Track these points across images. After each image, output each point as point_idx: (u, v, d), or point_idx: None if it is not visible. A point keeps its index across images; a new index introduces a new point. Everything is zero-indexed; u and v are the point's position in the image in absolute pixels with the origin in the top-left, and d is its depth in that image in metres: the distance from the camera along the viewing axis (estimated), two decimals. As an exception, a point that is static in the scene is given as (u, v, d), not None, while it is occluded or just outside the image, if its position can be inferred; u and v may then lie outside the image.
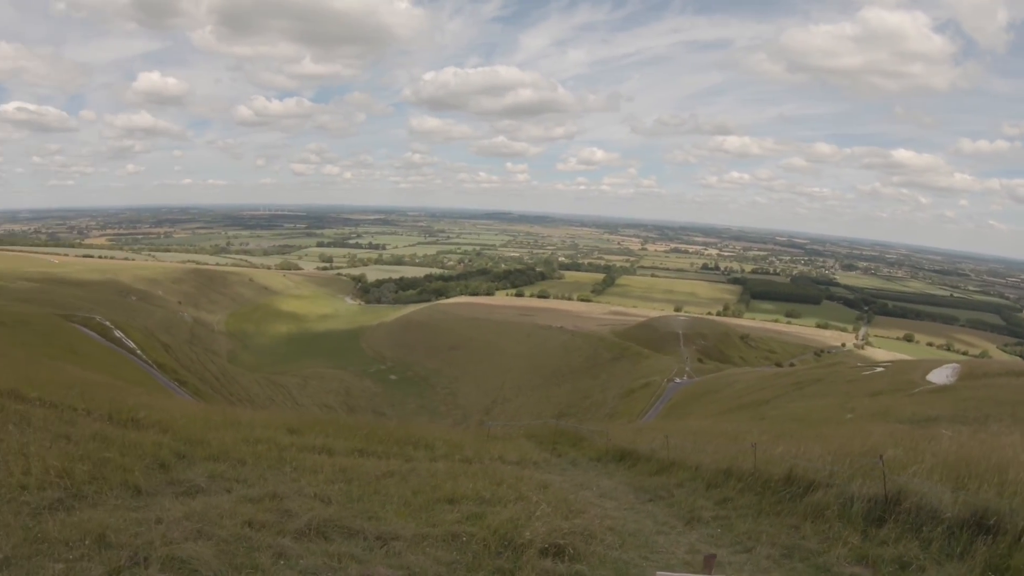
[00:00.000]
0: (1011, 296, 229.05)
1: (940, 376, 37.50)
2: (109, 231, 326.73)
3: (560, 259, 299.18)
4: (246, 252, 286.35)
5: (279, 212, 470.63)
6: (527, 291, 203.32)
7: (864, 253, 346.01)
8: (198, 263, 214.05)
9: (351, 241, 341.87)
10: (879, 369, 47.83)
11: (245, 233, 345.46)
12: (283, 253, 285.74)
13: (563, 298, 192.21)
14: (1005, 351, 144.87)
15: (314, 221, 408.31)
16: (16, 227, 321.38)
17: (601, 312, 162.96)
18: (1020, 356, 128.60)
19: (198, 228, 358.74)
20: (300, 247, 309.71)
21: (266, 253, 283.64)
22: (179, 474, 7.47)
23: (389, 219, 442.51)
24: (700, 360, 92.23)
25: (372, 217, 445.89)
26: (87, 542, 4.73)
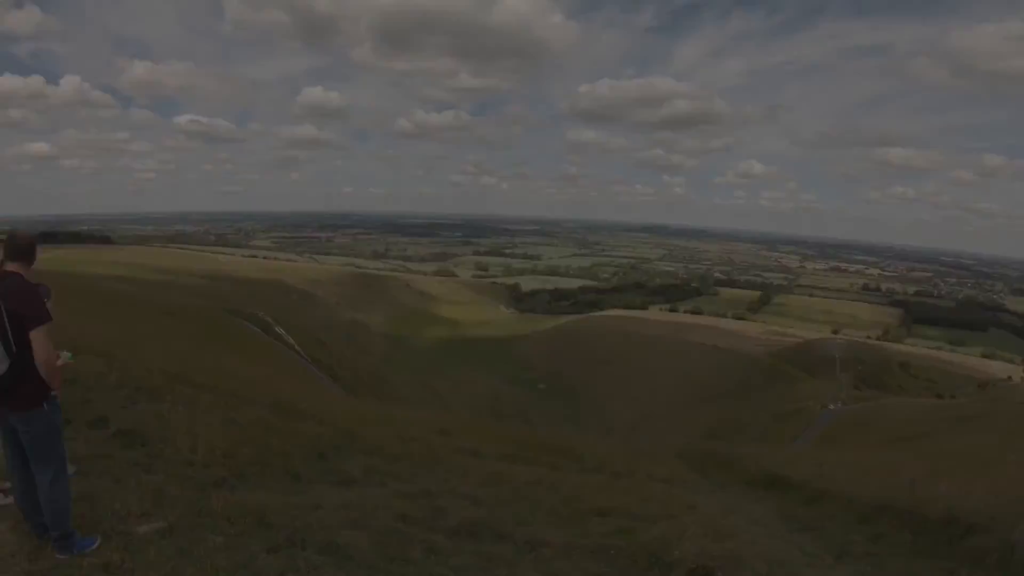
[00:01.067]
0: None
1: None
2: (274, 234, 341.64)
3: (716, 275, 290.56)
4: (404, 258, 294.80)
5: (437, 221, 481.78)
6: (681, 306, 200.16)
7: None
8: (358, 266, 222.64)
9: (507, 251, 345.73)
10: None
11: (404, 240, 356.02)
12: (440, 260, 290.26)
13: (718, 315, 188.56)
14: None
15: (471, 230, 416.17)
16: (188, 228, 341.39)
17: (756, 331, 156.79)
18: None
19: (358, 234, 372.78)
20: (457, 255, 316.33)
21: (423, 260, 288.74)
22: (336, 464, 7.63)
23: (545, 230, 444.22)
24: (857, 387, 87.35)
25: (528, 228, 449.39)
26: (248, 520, 4.85)
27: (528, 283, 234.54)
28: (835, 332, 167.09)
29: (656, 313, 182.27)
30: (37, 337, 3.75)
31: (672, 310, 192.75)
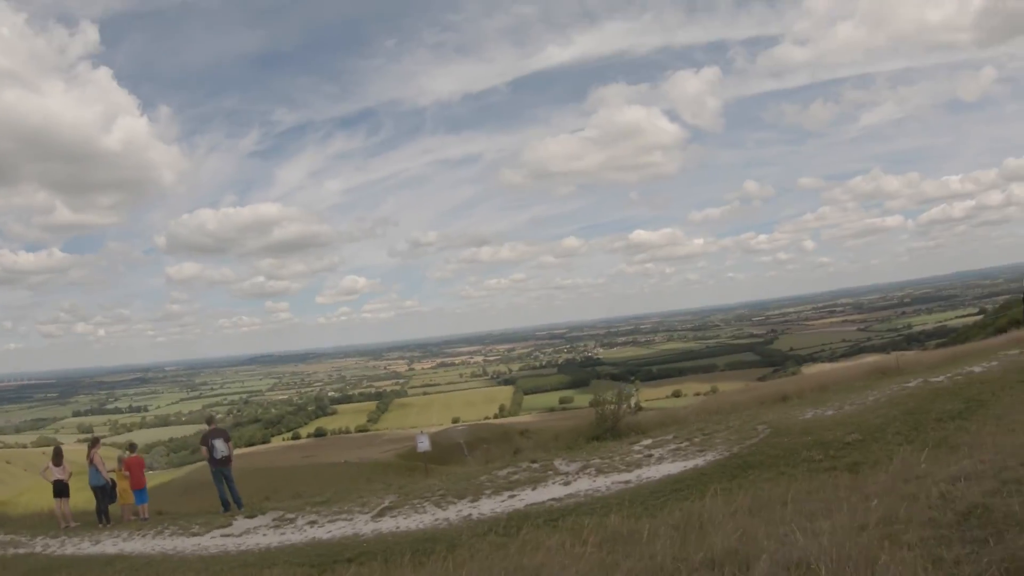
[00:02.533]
0: (760, 333, 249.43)
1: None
2: None
3: (330, 393, 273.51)
4: None
5: (27, 381, 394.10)
6: (302, 432, 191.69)
7: (621, 329, 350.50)
8: None
9: (109, 406, 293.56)
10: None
11: None
12: (38, 428, 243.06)
13: (342, 432, 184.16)
14: (763, 380, 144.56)
15: (66, 388, 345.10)
16: None
17: (383, 438, 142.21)
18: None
19: None
20: (56, 418, 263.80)
21: (18, 430, 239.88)
22: None
23: (147, 377, 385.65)
24: (488, 461, 64.83)
25: (129, 377, 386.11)
26: None
27: (141, 437, 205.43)
28: (455, 421, 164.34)
29: (280, 443, 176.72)
30: (229, 446, 14.43)
31: (295, 438, 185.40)
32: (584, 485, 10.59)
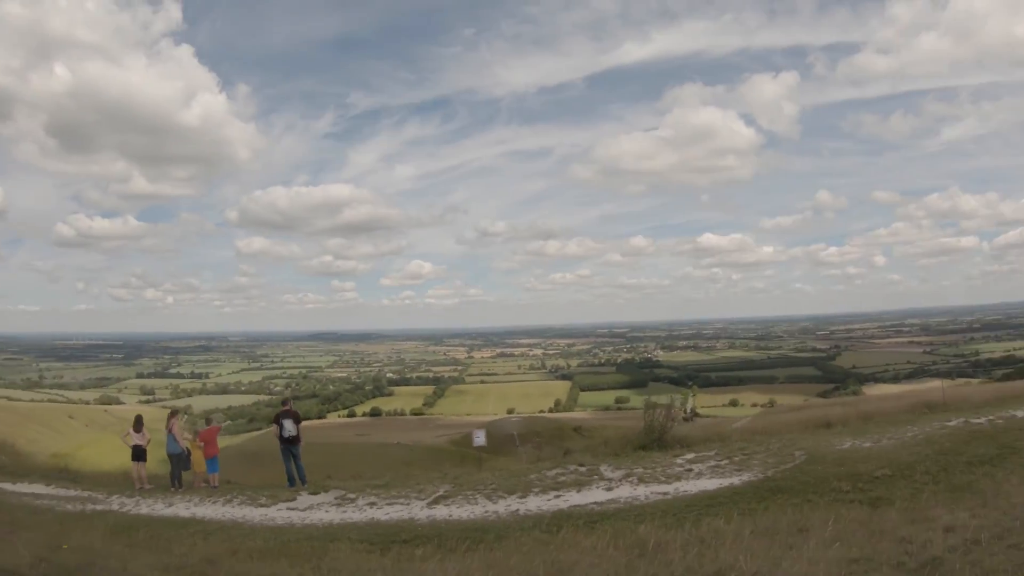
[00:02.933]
0: (823, 348, 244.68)
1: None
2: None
3: (388, 375, 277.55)
4: (61, 386, 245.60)
5: (94, 341, 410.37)
6: (358, 410, 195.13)
7: (683, 333, 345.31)
8: (11, 398, 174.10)
9: (172, 370, 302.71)
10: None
11: (59, 365, 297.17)
12: (101, 387, 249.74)
13: (397, 414, 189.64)
14: (823, 396, 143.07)
15: (132, 351, 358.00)
16: None
17: (438, 423, 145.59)
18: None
19: (5, 359, 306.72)
20: (119, 379, 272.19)
21: (83, 387, 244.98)
22: None
23: (210, 345, 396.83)
24: (539, 457, 66.27)
25: (193, 344, 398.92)
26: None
27: (200, 403, 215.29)
28: (510, 411, 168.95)
29: (335, 419, 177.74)
30: (298, 427, 15.66)
31: (350, 415, 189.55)
32: (625, 492, 11.34)
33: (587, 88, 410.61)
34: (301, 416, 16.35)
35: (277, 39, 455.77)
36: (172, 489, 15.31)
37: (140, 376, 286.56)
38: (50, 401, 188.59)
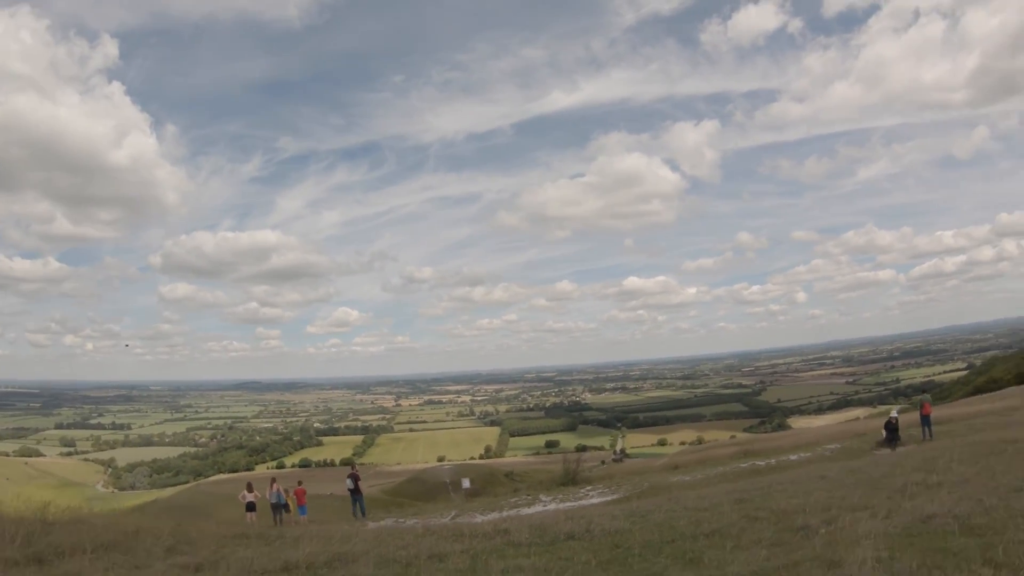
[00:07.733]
0: (749, 383, 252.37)
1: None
2: None
3: (316, 424, 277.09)
4: None
5: (11, 389, 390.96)
6: (287, 461, 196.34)
7: (610, 375, 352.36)
8: None
9: (92, 421, 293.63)
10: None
11: None
12: (19, 437, 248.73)
13: (327, 464, 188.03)
14: (749, 431, 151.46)
15: (50, 399, 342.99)
16: None
17: (369, 472, 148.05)
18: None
19: None
20: (38, 429, 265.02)
21: (0, 437, 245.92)
22: None
23: (131, 395, 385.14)
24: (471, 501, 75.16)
25: (113, 393, 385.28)
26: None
27: (123, 456, 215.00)
28: (440, 459, 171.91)
29: (264, 472, 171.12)
30: (358, 484, 24.86)
31: (279, 467, 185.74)
32: (553, 506, 20.95)
33: (515, 135, 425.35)
34: (359, 476, 25.34)
35: (207, 80, 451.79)
36: (274, 525, 22.11)
37: (60, 427, 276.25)
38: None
